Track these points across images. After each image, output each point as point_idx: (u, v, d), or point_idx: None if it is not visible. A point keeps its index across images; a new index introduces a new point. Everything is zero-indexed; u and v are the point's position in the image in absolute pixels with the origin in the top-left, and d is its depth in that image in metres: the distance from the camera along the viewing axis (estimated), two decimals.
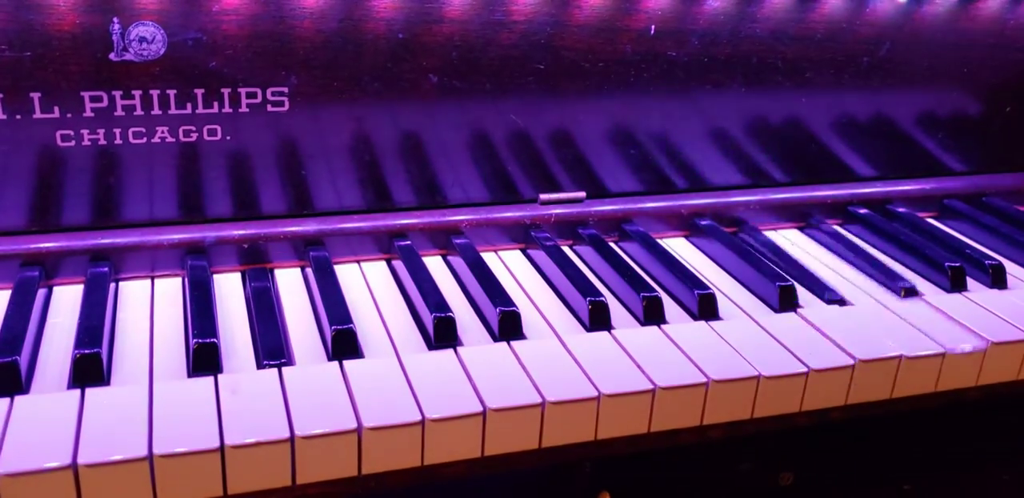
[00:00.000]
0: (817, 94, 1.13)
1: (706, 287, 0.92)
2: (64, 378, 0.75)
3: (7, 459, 0.64)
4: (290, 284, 0.94)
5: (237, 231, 0.95)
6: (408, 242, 0.99)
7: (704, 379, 0.80)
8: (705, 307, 0.90)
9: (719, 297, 0.94)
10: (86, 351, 0.74)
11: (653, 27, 1.02)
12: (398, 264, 0.97)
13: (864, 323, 0.91)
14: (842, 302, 0.95)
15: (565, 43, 0.99)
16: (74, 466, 0.65)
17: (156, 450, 0.66)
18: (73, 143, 0.87)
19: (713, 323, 0.89)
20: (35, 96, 0.85)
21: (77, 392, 0.72)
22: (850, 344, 0.86)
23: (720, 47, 1.05)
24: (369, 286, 0.95)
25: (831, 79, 1.12)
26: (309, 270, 0.95)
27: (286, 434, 0.69)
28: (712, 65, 1.05)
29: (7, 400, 0.71)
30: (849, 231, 1.14)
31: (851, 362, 0.84)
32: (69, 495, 0.66)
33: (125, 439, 0.67)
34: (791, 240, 1.12)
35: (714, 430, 0.82)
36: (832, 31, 1.09)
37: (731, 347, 0.85)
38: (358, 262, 0.99)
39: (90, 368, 0.74)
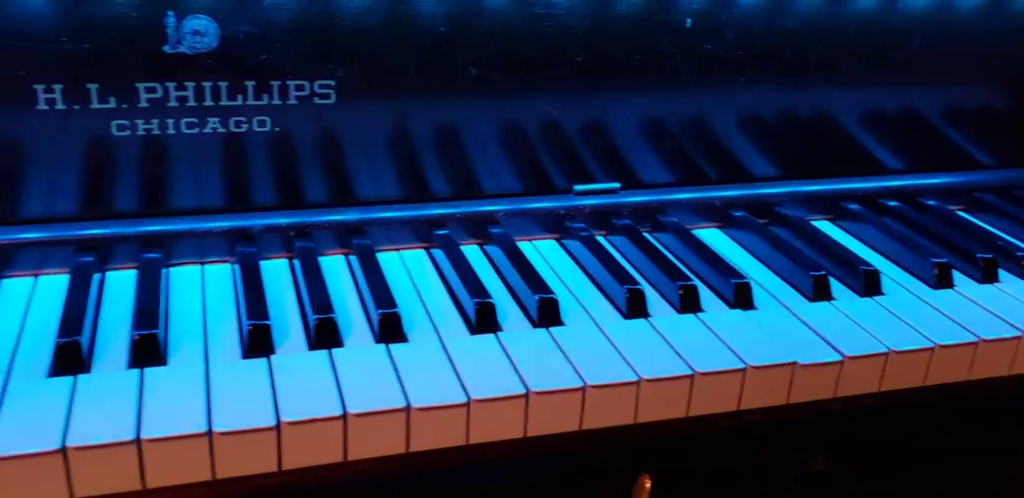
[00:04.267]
0: (849, 87, 1.14)
1: (741, 276, 0.94)
2: (123, 359, 0.78)
3: (74, 434, 0.67)
4: (334, 271, 0.97)
5: (283, 219, 0.98)
6: (446, 231, 1.01)
7: (741, 365, 0.82)
8: (740, 296, 0.92)
9: (754, 286, 0.96)
10: (144, 332, 0.77)
11: (690, 20, 1.04)
12: (437, 252, 1.00)
13: (897, 312, 0.93)
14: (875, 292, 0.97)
15: (603, 36, 1.01)
16: (137, 441, 0.68)
17: (215, 427, 0.69)
18: (128, 133, 0.90)
19: (749, 311, 0.91)
20: (92, 87, 0.87)
21: (137, 372, 0.75)
22: (882, 332, 0.88)
23: (754, 40, 1.06)
24: (409, 273, 0.98)
25: (863, 73, 1.13)
26: (352, 258, 0.98)
27: (339, 411, 0.72)
28: (746, 58, 1.07)
29: (70, 379, 0.74)
30: (880, 223, 1.15)
31: (884, 350, 0.86)
32: (132, 469, 0.69)
33: (185, 416, 0.70)
34: (822, 231, 1.14)
35: (750, 415, 0.84)
36: (864, 25, 1.10)
37: (767, 334, 0.87)
38: (398, 251, 1.02)
39: (148, 349, 0.77)
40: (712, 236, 1.11)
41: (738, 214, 1.11)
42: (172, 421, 0.70)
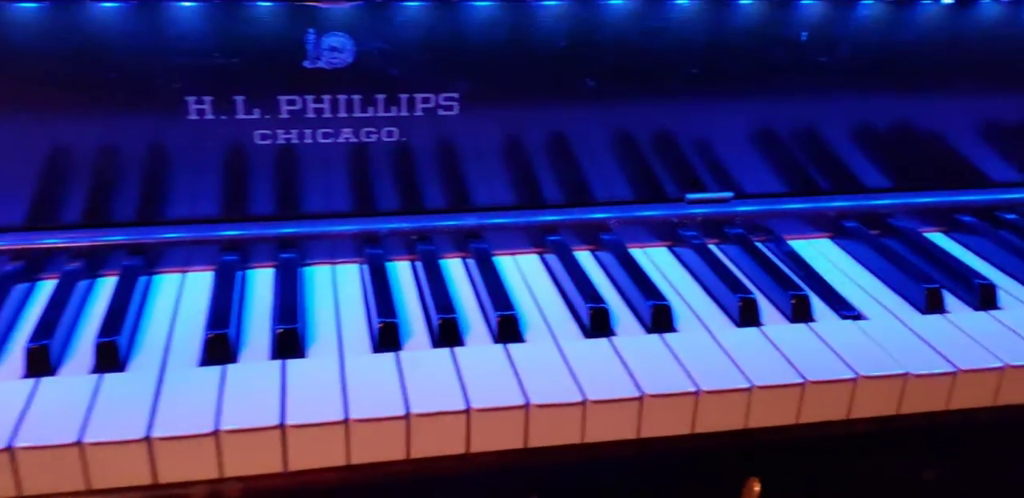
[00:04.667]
0: (964, 99, 1.13)
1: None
2: (266, 350, 0.85)
3: (226, 418, 0.74)
4: (453, 273, 1.01)
5: (407, 224, 1.03)
6: (559, 237, 1.05)
7: (853, 375, 0.83)
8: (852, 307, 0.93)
9: (866, 298, 0.96)
10: (286, 327, 0.84)
11: (805, 33, 1.05)
12: (550, 257, 1.04)
13: (1013, 326, 0.92)
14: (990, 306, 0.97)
15: (718, 49, 1.03)
16: (282, 426, 0.74)
17: (352, 415, 0.75)
18: (269, 142, 0.97)
19: (860, 322, 0.92)
20: (239, 99, 0.95)
21: (279, 362, 0.82)
22: (997, 346, 0.88)
23: (870, 53, 1.07)
24: (524, 277, 1.02)
25: (979, 84, 1.12)
26: (469, 261, 1.03)
27: (463, 406, 0.77)
28: (861, 70, 1.08)
29: (220, 368, 0.81)
30: (996, 236, 1.14)
31: (999, 364, 0.86)
32: (276, 453, 0.75)
33: (324, 404, 0.76)
34: (935, 243, 1.13)
35: (861, 424, 0.85)
36: (981, 36, 1.09)
37: (879, 345, 0.88)
38: (512, 255, 1.06)
39: (289, 342, 0.83)
40: (823, 247, 1.12)
41: (850, 225, 1.11)
42: (312, 409, 0.75)
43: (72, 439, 0.71)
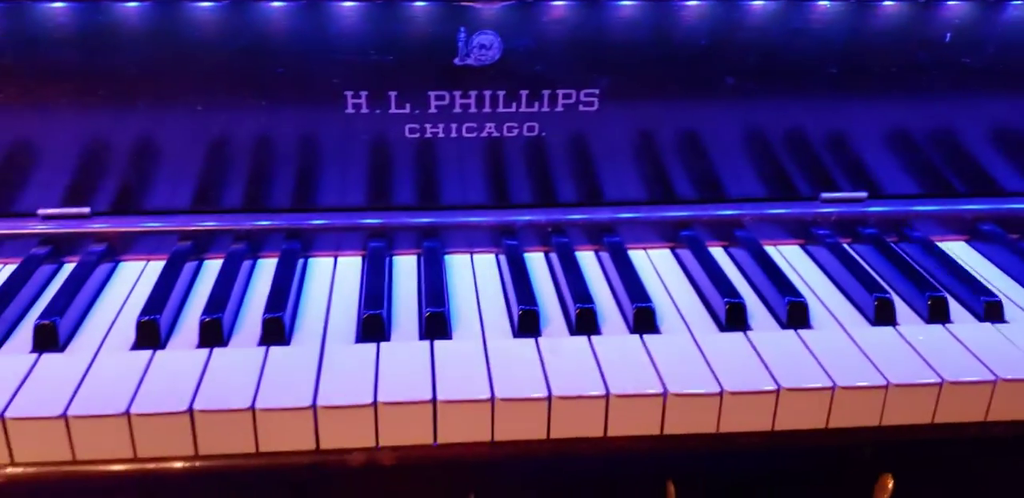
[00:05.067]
0: None
1: (993, 294, 0.94)
2: (415, 331, 0.90)
3: (382, 392, 0.79)
4: (586, 265, 1.05)
5: (542, 216, 1.07)
6: (693, 232, 1.07)
7: (992, 377, 0.83)
8: (991, 310, 0.93)
9: (1004, 301, 0.95)
10: (434, 310, 0.89)
11: (949, 35, 1.04)
12: (683, 252, 1.06)
13: None
14: None
15: (859, 50, 1.03)
16: (433, 401, 0.79)
17: (497, 394, 0.79)
18: (418, 135, 1.02)
19: (999, 325, 0.91)
20: (392, 94, 1.00)
21: (427, 343, 0.87)
22: None
23: (1017, 55, 1.05)
24: (657, 271, 1.04)
25: None
26: (603, 254, 1.06)
27: (602, 391, 0.80)
28: (1006, 72, 1.06)
29: (374, 345, 0.86)
30: None
31: None
32: (427, 424, 0.79)
33: (470, 383, 0.80)
34: None
35: (997, 427, 0.84)
36: None
37: (1017, 348, 0.87)
38: (645, 249, 1.09)
39: (438, 324, 0.88)
40: (958, 249, 1.10)
41: (987, 228, 1.09)
42: (460, 387, 0.80)
43: (245, 405, 0.78)
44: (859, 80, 1.04)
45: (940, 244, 1.08)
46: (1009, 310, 0.95)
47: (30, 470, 0.79)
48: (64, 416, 0.76)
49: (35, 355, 0.84)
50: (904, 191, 1.11)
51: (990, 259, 1.08)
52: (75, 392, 0.79)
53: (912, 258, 1.06)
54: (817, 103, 1.05)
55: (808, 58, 1.03)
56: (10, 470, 0.79)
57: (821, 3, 1.01)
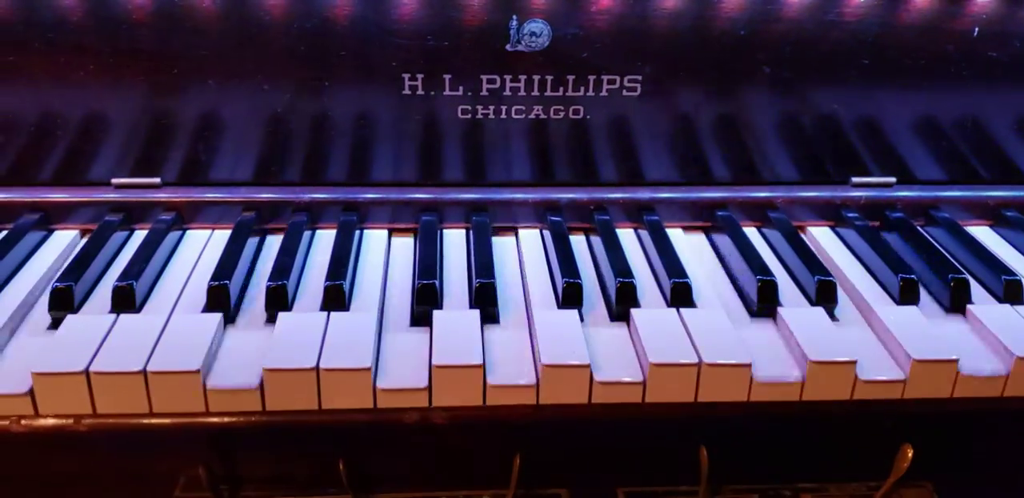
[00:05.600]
0: None
1: (1013, 273, 0.99)
2: (465, 300, 0.96)
3: (437, 355, 0.85)
4: (625, 243, 1.10)
5: (584, 195, 1.12)
6: (727, 213, 1.12)
7: (1008, 356, 0.88)
8: (1010, 291, 0.97)
9: None
10: (483, 280, 0.95)
11: (976, 29, 1.08)
12: (718, 232, 1.11)
13: None
14: None
15: (890, 41, 1.08)
16: (482, 365, 0.85)
17: (542, 361, 0.84)
18: (469, 116, 1.08)
19: (1018, 306, 0.96)
20: (447, 77, 1.06)
21: (476, 311, 0.92)
22: None
23: None
24: (693, 249, 1.09)
25: None
26: (642, 232, 1.11)
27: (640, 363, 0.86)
28: None
29: (428, 312, 0.92)
30: None
31: None
32: (477, 387, 0.85)
33: (517, 350, 0.87)
34: None
35: (1014, 402, 0.89)
36: None
37: None
38: (682, 227, 1.14)
39: (487, 294, 0.94)
40: (982, 234, 1.15)
41: (1010, 214, 1.14)
42: (507, 353, 0.86)
43: (310, 365, 0.84)
44: (889, 71, 1.09)
45: (965, 228, 1.13)
46: None
47: (109, 421, 0.85)
48: (143, 372, 0.83)
49: (114, 315, 0.91)
50: (931, 177, 1.16)
51: (1012, 244, 1.12)
52: (152, 350, 0.86)
53: (937, 241, 1.10)
54: (849, 92, 1.10)
55: (841, 49, 1.07)
56: (91, 421, 0.86)
57: None
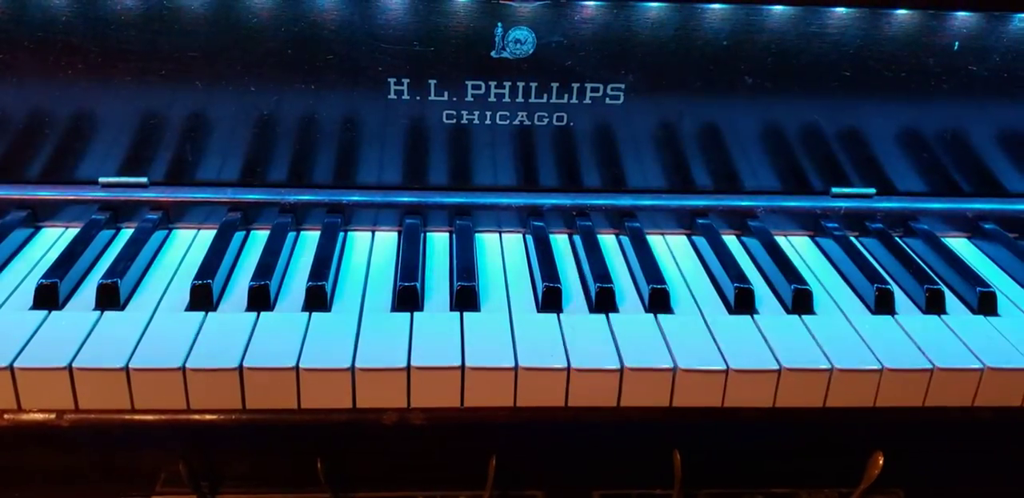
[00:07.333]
0: None
1: (987, 285, 1.01)
2: (446, 303, 0.97)
3: (416, 356, 0.86)
4: (607, 248, 1.11)
5: (567, 200, 1.14)
6: (708, 221, 1.14)
7: (979, 365, 0.89)
8: (985, 303, 0.99)
9: (998, 295, 1.01)
10: (465, 284, 0.96)
11: (957, 43, 1.10)
12: (699, 239, 1.13)
13: None
14: None
15: (872, 54, 1.09)
16: (461, 367, 0.86)
17: (521, 364, 0.86)
18: (454, 121, 1.09)
19: (991, 318, 0.98)
20: (432, 82, 1.07)
21: (458, 314, 0.93)
22: None
23: (1021, 62, 1.11)
24: (673, 256, 1.11)
25: None
26: (623, 238, 1.12)
27: (617, 365, 0.86)
28: (1011, 80, 1.12)
29: (408, 314, 0.93)
30: None
31: None
32: (455, 388, 0.86)
33: (495, 353, 0.87)
34: None
35: (983, 412, 0.90)
36: None
37: (1008, 340, 0.93)
38: (662, 235, 1.16)
39: (467, 297, 0.95)
40: (960, 246, 1.16)
41: (988, 227, 1.15)
42: (486, 356, 0.87)
43: (290, 364, 0.85)
44: (871, 83, 1.10)
45: (943, 240, 1.14)
46: (1002, 304, 1.01)
47: (91, 417, 0.86)
48: (125, 368, 0.84)
49: (98, 312, 0.92)
50: (911, 189, 1.17)
51: (989, 256, 1.14)
52: (135, 347, 0.87)
53: (915, 252, 1.12)
54: (830, 103, 1.11)
55: (823, 61, 1.09)
56: (73, 416, 0.86)
57: (836, 10, 1.06)
